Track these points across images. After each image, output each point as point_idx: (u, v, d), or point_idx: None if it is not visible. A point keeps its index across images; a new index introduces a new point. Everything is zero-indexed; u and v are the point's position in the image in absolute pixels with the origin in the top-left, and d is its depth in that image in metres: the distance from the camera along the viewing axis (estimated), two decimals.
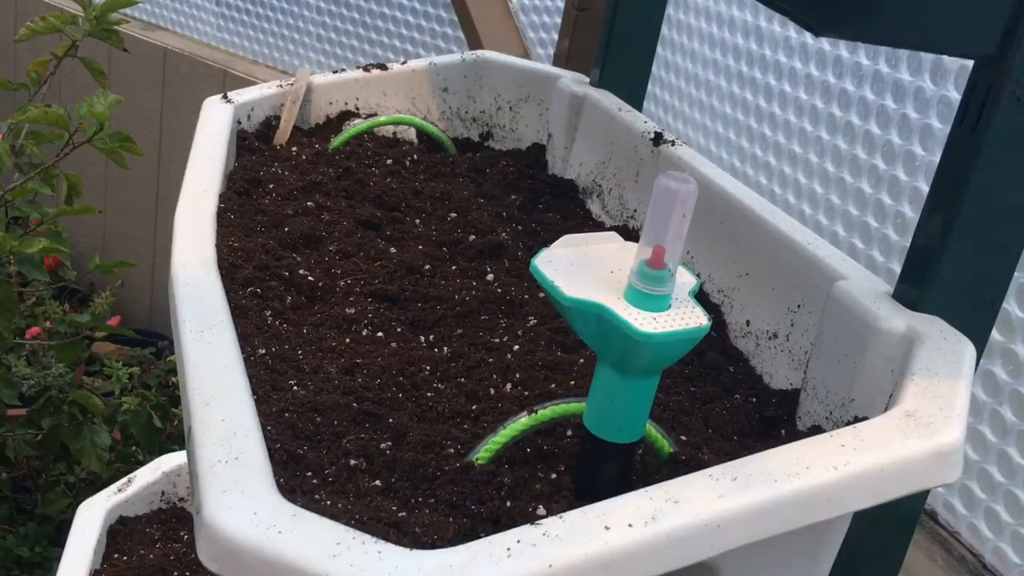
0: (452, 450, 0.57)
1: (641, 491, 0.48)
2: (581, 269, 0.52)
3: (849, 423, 0.57)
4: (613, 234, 0.56)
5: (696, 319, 0.50)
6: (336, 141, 0.98)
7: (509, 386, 0.64)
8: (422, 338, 0.70)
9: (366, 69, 1.07)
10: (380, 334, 0.69)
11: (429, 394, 0.63)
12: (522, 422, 0.56)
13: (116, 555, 1.18)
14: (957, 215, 0.61)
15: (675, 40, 1.57)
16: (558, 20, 1.66)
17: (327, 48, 2.35)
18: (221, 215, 0.77)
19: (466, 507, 0.52)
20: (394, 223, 0.84)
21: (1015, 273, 0.65)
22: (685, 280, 0.52)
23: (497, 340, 0.70)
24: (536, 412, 0.56)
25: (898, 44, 0.71)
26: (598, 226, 0.92)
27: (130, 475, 1.28)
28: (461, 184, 0.94)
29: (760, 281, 0.75)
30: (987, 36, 0.57)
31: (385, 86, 1.07)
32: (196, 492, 0.48)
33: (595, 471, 0.54)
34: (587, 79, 1.02)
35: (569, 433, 0.58)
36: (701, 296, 0.78)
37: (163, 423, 1.69)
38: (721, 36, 1.44)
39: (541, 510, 0.51)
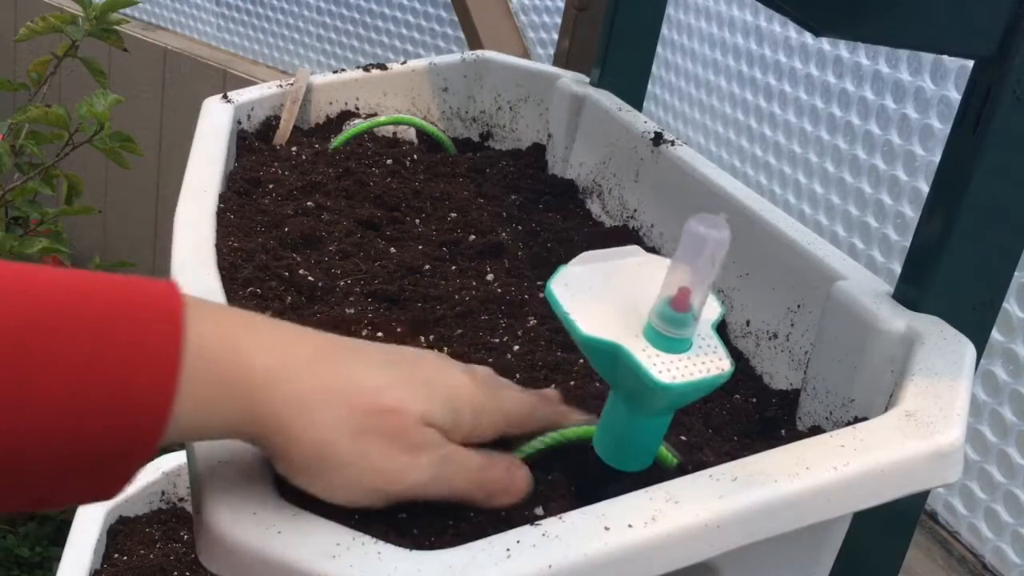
0: None
1: (641, 491, 0.48)
2: (599, 295, 0.50)
3: (849, 423, 0.57)
4: (634, 248, 0.54)
5: (717, 364, 0.48)
6: (336, 141, 0.98)
7: None
8: (422, 338, 0.70)
9: (366, 69, 1.07)
10: (380, 334, 0.69)
11: None
12: (530, 445, 0.54)
13: (116, 555, 1.19)
14: (957, 215, 0.61)
15: (675, 40, 1.57)
16: (558, 20, 1.66)
17: (327, 48, 2.35)
18: (221, 215, 0.77)
19: (465, 512, 0.52)
20: (394, 223, 0.84)
21: (1015, 273, 0.65)
22: (710, 309, 0.50)
23: (497, 340, 0.70)
24: (545, 436, 0.54)
25: (898, 44, 0.71)
26: (598, 226, 0.92)
27: None
28: (461, 184, 0.94)
29: (760, 281, 0.75)
30: (987, 36, 0.57)
31: (385, 86, 1.07)
32: (196, 492, 0.48)
33: (601, 491, 0.53)
34: (587, 79, 1.02)
35: (574, 455, 0.58)
36: None
37: None
38: (721, 36, 1.44)
39: (540, 511, 0.51)
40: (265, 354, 0.45)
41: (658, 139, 0.89)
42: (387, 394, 0.47)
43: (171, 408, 0.42)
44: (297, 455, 0.46)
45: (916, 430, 0.53)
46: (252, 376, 0.44)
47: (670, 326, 0.47)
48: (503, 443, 0.54)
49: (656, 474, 0.56)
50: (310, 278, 0.74)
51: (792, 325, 0.71)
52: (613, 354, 0.47)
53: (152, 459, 0.43)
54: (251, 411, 0.44)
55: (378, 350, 0.51)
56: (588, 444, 0.54)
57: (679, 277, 0.47)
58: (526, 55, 1.78)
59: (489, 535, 0.46)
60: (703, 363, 0.47)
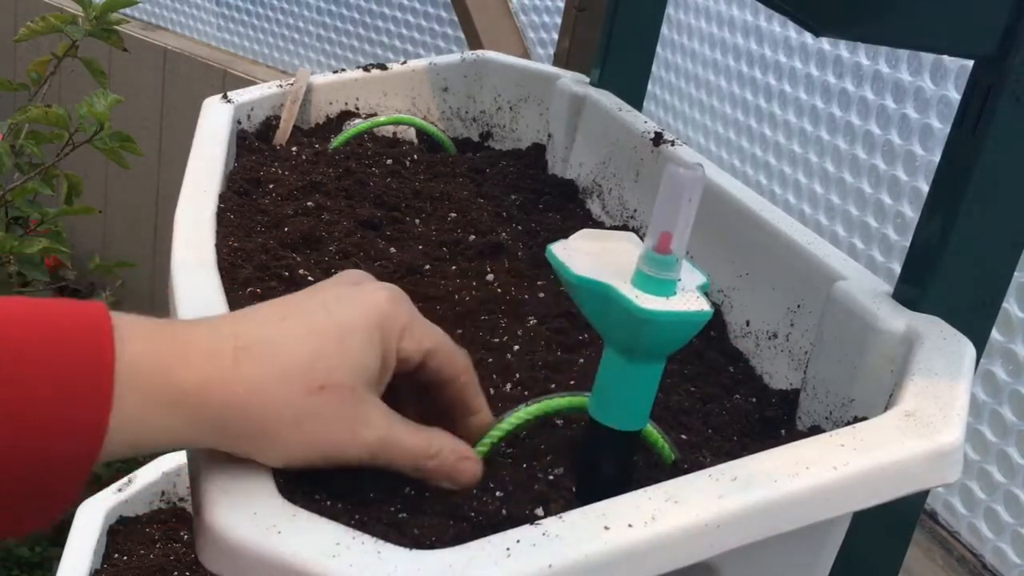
0: None
1: (641, 491, 0.48)
2: (594, 256, 0.53)
3: (849, 423, 0.57)
4: (631, 234, 0.57)
5: (699, 305, 0.51)
6: (336, 141, 0.98)
7: (509, 386, 0.64)
8: None
9: (366, 69, 1.07)
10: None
11: None
12: (516, 416, 0.56)
13: (116, 555, 1.19)
14: (957, 215, 0.61)
15: (675, 40, 1.57)
16: (558, 20, 1.66)
17: (327, 48, 2.35)
18: (221, 215, 0.77)
19: (465, 512, 0.52)
20: (394, 223, 0.84)
21: (1015, 273, 0.65)
22: (695, 277, 0.53)
23: (497, 340, 0.70)
24: (531, 404, 0.56)
25: (898, 44, 0.71)
26: (598, 226, 0.92)
27: (130, 475, 1.28)
28: (461, 184, 0.94)
29: (760, 281, 0.75)
30: (987, 36, 0.57)
31: (385, 86, 1.07)
32: (196, 492, 0.48)
33: (597, 459, 0.54)
34: (587, 79, 1.02)
35: (568, 434, 0.58)
36: None
37: None
38: (721, 36, 1.44)
39: (540, 511, 0.51)
40: (191, 369, 0.46)
41: (658, 139, 0.89)
42: (315, 370, 0.48)
43: (105, 429, 0.43)
44: (245, 445, 0.47)
45: (916, 430, 0.53)
46: (185, 392, 0.45)
47: (654, 267, 0.50)
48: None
49: (656, 474, 0.56)
50: (310, 278, 0.74)
51: (792, 325, 0.71)
52: (603, 294, 0.51)
53: (84, 486, 0.44)
54: (191, 424, 0.46)
55: (295, 316, 0.50)
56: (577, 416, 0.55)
57: (661, 223, 0.50)
58: (526, 55, 1.78)
59: (489, 535, 0.46)
60: (685, 303, 0.51)
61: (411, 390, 0.55)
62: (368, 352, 0.50)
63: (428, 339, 0.53)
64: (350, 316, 0.50)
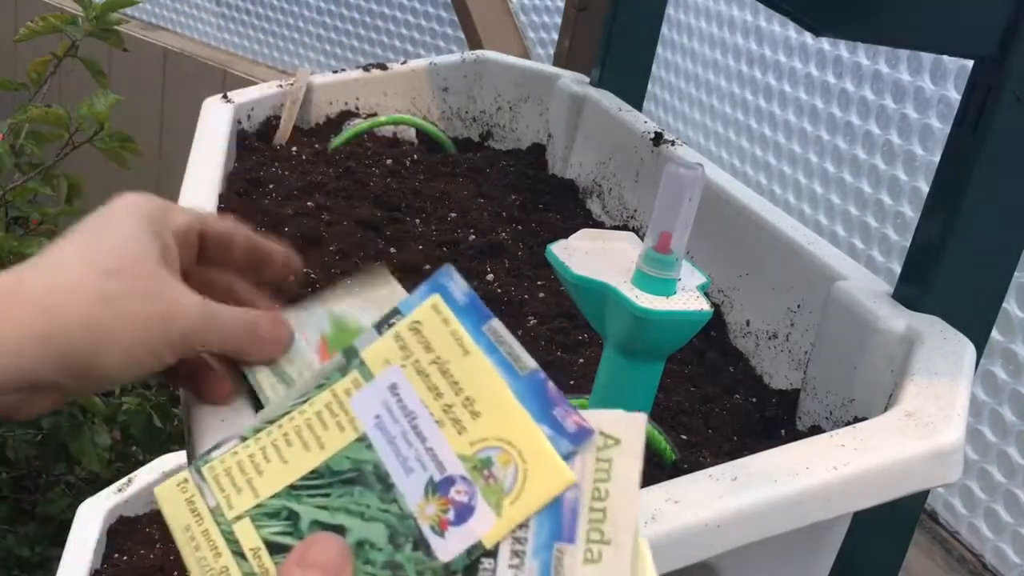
0: None
1: (641, 491, 0.48)
2: (594, 256, 0.54)
3: (849, 423, 0.57)
4: (630, 234, 0.57)
5: (698, 304, 0.51)
6: (336, 141, 0.98)
7: None
8: None
9: (366, 69, 1.07)
10: None
11: None
12: None
13: (116, 555, 1.18)
14: (957, 215, 0.61)
15: (675, 40, 1.57)
16: (558, 20, 1.66)
17: (327, 48, 2.35)
18: (221, 215, 0.77)
19: None
20: (394, 223, 0.84)
21: (1015, 273, 0.65)
22: (695, 277, 0.53)
23: None
24: None
25: (898, 44, 0.71)
26: (598, 226, 0.92)
27: (130, 475, 1.28)
28: (461, 184, 0.94)
29: (760, 281, 0.75)
30: (987, 36, 0.57)
31: (385, 86, 1.07)
32: None
33: None
34: (587, 79, 1.02)
35: None
36: None
37: (163, 423, 1.68)
38: (721, 36, 1.44)
39: None
40: None
41: (658, 139, 0.89)
42: (99, 258, 0.47)
43: None
44: (68, 348, 0.45)
45: (916, 430, 0.53)
46: None
47: (654, 266, 0.51)
48: None
49: (656, 474, 0.56)
50: (311, 277, 0.74)
51: (792, 325, 0.71)
52: (602, 293, 0.51)
53: None
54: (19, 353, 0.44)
55: (63, 241, 0.49)
56: None
57: (661, 222, 0.51)
58: (526, 55, 1.78)
59: None
60: (684, 302, 0.51)
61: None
62: (142, 235, 0.48)
63: (192, 212, 0.53)
64: (110, 214, 0.49)
